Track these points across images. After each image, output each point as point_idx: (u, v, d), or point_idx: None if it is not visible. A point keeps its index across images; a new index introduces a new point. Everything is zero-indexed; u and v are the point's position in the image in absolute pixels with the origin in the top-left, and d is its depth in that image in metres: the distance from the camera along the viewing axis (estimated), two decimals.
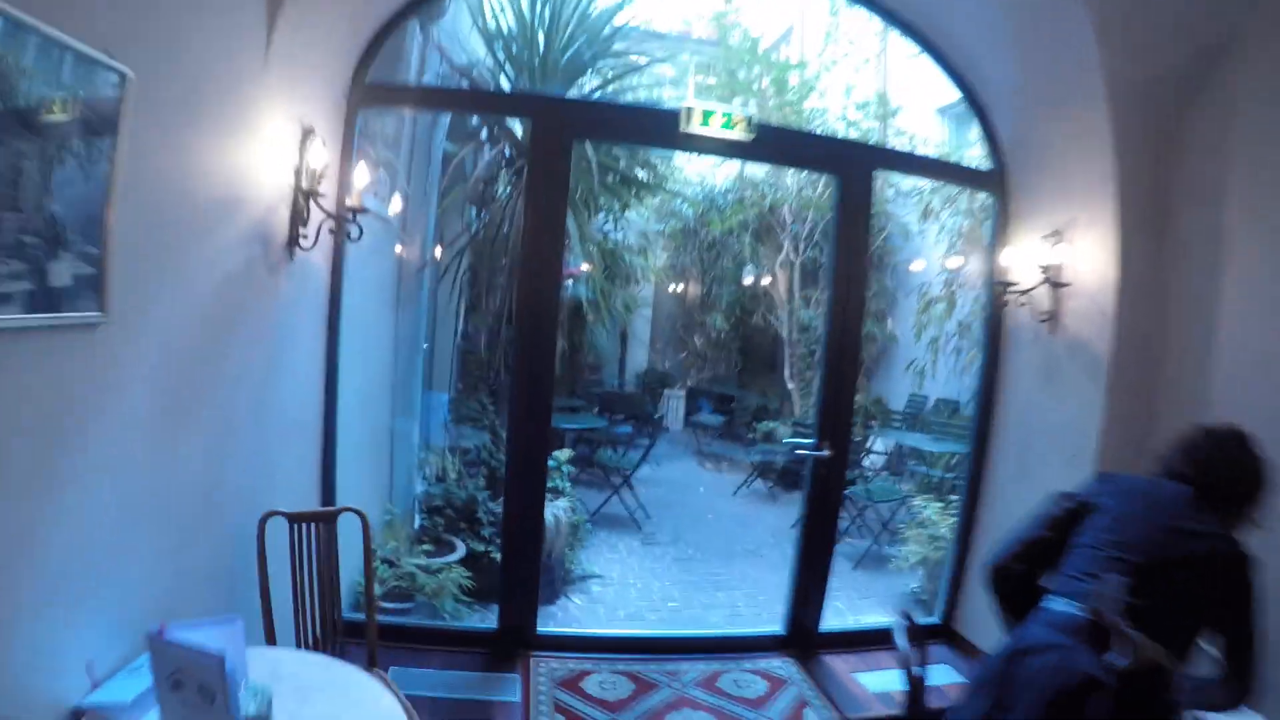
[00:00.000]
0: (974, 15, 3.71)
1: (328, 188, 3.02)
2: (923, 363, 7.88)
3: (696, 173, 10.61)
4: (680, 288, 12.37)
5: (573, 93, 4.94)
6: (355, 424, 3.96)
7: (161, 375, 2.11)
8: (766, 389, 11.40)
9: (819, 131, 8.44)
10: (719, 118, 3.45)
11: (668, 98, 8.71)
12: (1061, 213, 3.69)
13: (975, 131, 8.83)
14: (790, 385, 9.91)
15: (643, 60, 5.32)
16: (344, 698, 2.02)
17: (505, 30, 4.99)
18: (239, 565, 2.61)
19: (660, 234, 11.25)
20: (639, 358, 12.74)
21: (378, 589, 3.97)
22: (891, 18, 4.01)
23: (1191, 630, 1.88)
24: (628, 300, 9.14)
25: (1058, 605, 2.01)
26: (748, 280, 10.78)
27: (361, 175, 2.97)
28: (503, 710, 3.28)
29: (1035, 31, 3.43)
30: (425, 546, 4.37)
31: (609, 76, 5.34)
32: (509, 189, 5.07)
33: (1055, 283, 3.68)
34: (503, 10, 5.01)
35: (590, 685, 3.54)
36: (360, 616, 2.84)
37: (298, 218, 2.83)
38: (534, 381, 3.54)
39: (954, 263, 7.05)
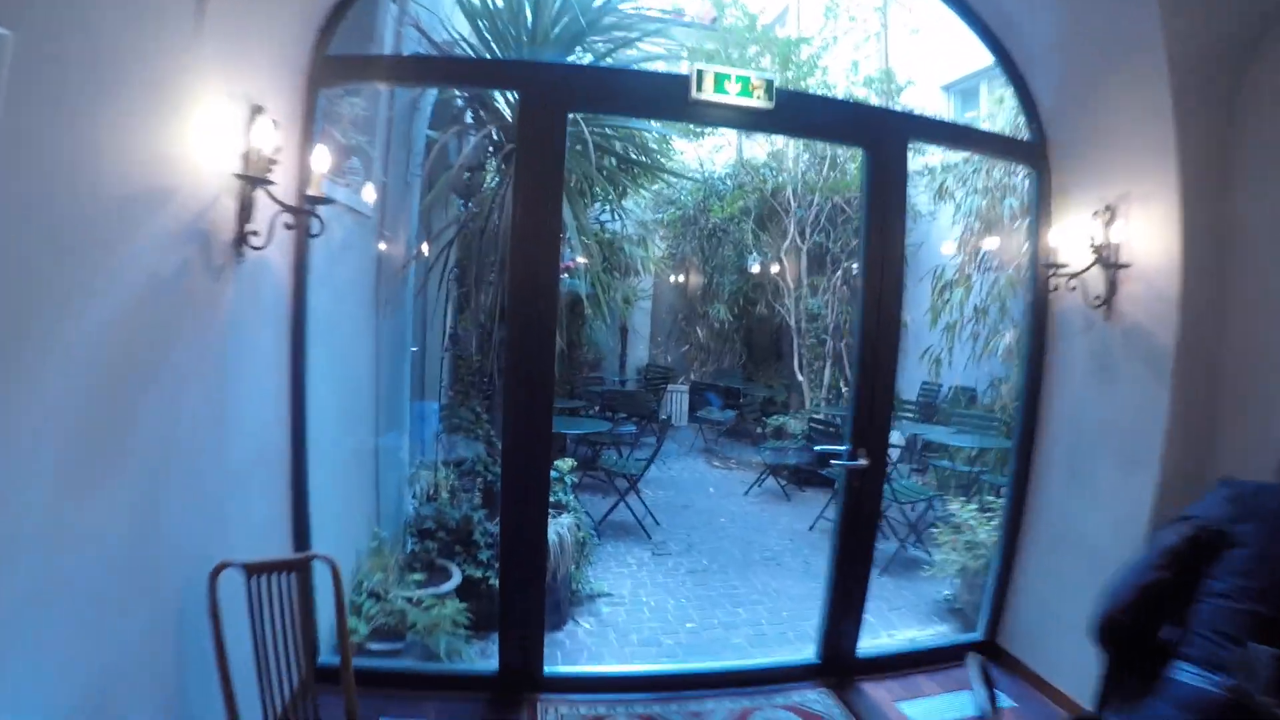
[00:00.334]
0: None
1: (283, 175, 2.58)
2: (938, 350, 7.50)
3: (695, 158, 10.19)
4: (681, 278, 11.95)
5: None
6: (333, 444, 3.54)
7: (64, 415, 1.68)
8: (773, 381, 11.00)
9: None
10: (734, 83, 3.01)
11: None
12: (1114, 186, 3.33)
13: (982, 108, 8.46)
14: (800, 376, 9.50)
15: (643, 43, 4.83)
16: None
17: (490, 4, 4.54)
18: (188, 630, 2.20)
19: (659, 223, 10.84)
20: (639, 352, 12.32)
21: (363, 626, 3.57)
22: None
23: None
24: (627, 293, 8.73)
25: (1188, 678, 1.59)
26: (754, 269, 10.35)
27: (321, 159, 2.54)
28: None
29: None
30: (416, 575, 3.94)
31: (602, 52, 4.89)
32: (498, 176, 4.62)
33: (1110, 264, 3.30)
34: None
35: None
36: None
37: (246, 211, 2.39)
38: (530, 385, 3.11)
39: (989, 243, 6.64)
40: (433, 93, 4.80)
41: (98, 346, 1.81)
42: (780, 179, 9.31)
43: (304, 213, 2.58)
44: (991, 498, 5.42)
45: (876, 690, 3.56)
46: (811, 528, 6.77)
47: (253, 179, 2.34)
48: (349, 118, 3.50)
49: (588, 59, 4.81)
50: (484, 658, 3.85)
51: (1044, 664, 3.57)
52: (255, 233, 2.45)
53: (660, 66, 5.05)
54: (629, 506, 6.46)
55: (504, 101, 4.53)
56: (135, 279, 1.96)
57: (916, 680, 3.65)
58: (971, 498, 5.72)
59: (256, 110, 2.42)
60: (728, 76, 3.01)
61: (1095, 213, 3.34)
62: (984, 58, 3.86)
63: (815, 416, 8.54)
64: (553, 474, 4.71)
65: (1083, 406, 3.55)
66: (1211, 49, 2.94)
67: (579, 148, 4.47)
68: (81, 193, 1.71)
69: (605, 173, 5.28)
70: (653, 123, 5.49)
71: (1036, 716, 3.34)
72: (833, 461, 3.43)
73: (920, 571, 5.47)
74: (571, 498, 4.85)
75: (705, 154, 10.29)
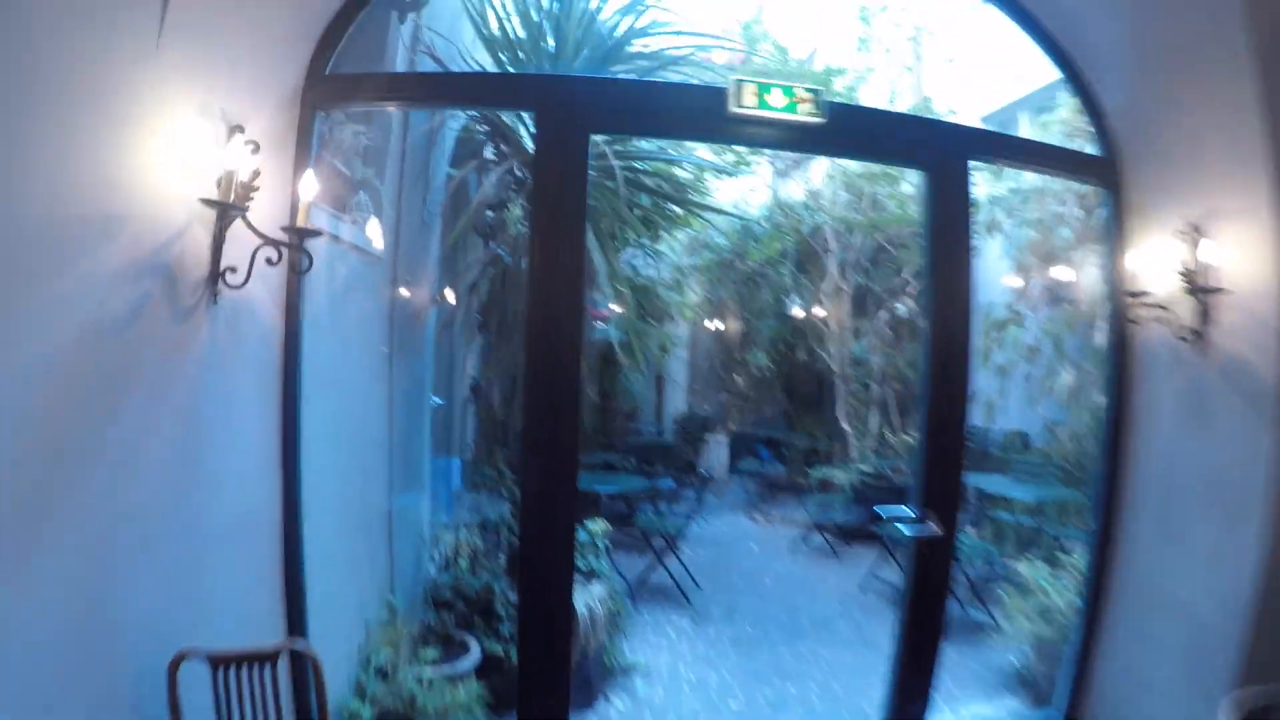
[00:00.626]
0: None
1: (269, 205, 2.29)
2: (989, 392, 7.04)
3: (730, 201, 9.93)
4: (718, 324, 11.61)
5: None
6: (339, 504, 3.20)
7: None
8: (815, 430, 10.51)
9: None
10: (778, 94, 2.67)
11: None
12: (1198, 202, 2.97)
13: (1024, 131, 8.12)
14: (844, 425, 9.04)
15: (669, 71, 4.55)
16: None
17: (512, 36, 4.31)
18: None
19: (694, 268, 10.56)
20: (677, 402, 11.93)
21: (366, 711, 3.17)
22: None
23: None
24: (663, 340, 8.41)
25: None
26: (799, 313, 9.97)
27: (309, 186, 2.24)
28: None
29: None
30: (431, 651, 3.54)
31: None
32: (522, 214, 4.33)
33: (1200, 289, 2.91)
34: (508, 17, 4.35)
35: None
36: None
37: (220, 244, 2.09)
38: (550, 449, 2.71)
39: (1052, 275, 6.25)
40: (453, 127, 4.54)
41: (21, 399, 1.50)
42: (818, 218, 8.99)
43: (289, 247, 2.26)
44: (1064, 555, 4.92)
45: None
46: (861, 587, 6.26)
47: (225, 206, 2.03)
48: (355, 148, 3.22)
49: None
50: None
51: None
52: (233, 269, 2.14)
53: None
54: (666, 568, 6.02)
55: (526, 134, 4.25)
56: (74, 319, 1.65)
57: None
58: (1032, 551, 5.26)
59: (235, 130, 2.12)
60: (770, 87, 2.67)
61: (1178, 232, 2.98)
62: (1022, 86, 3.51)
63: (864, 469, 8.05)
64: (584, 536, 4.31)
65: (1174, 454, 3.14)
66: None
67: (609, 184, 4.17)
68: (11, 221, 1.42)
69: (637, 210, 4.97)
70: (686, 152, 5.20)
71: None
72: (899, 526, 2.98)
73: (983, 636, 4.95)
74: (605, 564, 4.43)
75: (739, 195, 10.03)
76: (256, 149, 2.15)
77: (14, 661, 1.50)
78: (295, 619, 2.69)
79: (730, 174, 8.23)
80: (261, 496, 2.54)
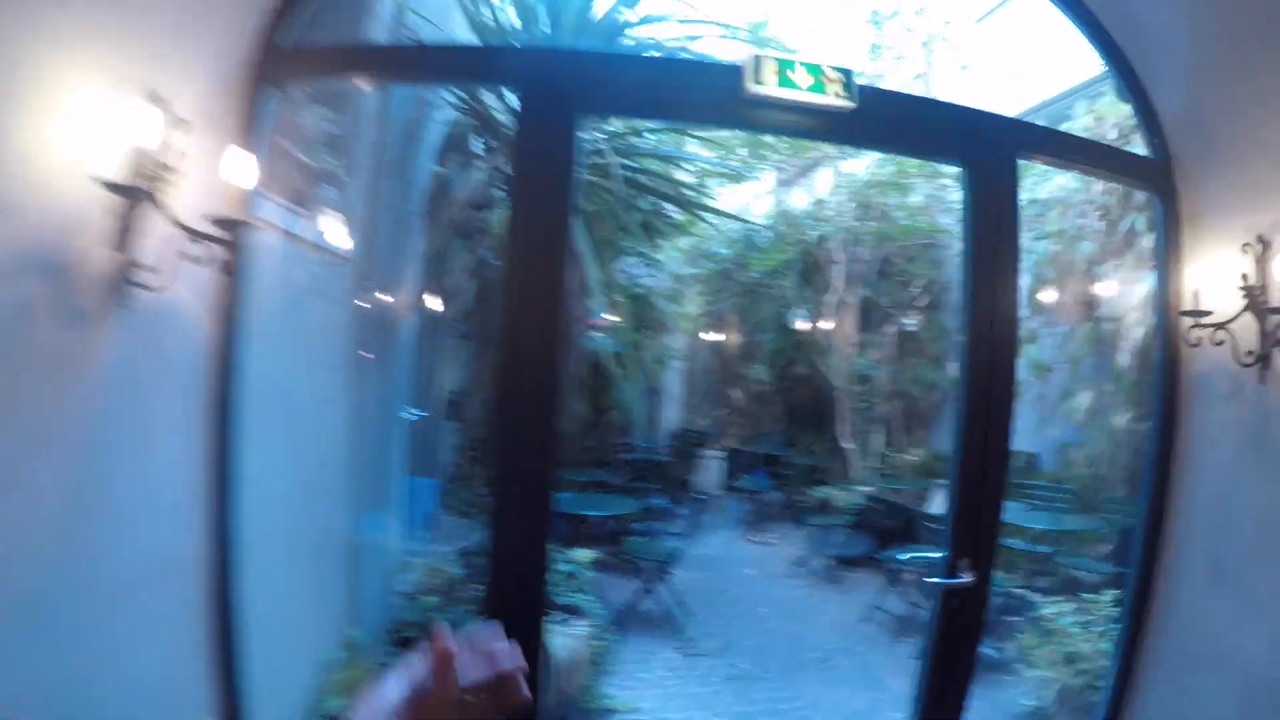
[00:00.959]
0: None
1: (199, 191, 1.94)
2: None
3: (731, 208, 9.65)
4: (716, 336, 11.28)
5: None
6: (285, 537, 2.84)
7: None
8: (815, 447, 10.18)
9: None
10: (803, 73, 2.31)
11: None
12: (1266, 211, 2.59)
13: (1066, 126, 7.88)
14: (845, 444, 8.71)
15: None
16: None
17: (505, 24, 3.98)
18: None
19: (694, 278, 10.25)
20: (672, 416, 11.58)
21: None
22: None
23: None
24: (659, 353, 8.08)
25: None
26: (803, 325, 9.66)
27: (242, 169, 1.89)
28: None
29: None
30: None
31: None
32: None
33: (1266, 308, 2.53)
34: (501, 8, 4.03)
35: None
36: None
37: (127, 236, 1.73)
38: (523, 482, 2.32)
39: (1086, 289, 5.99)
40: (441, 120, 4.19)
41: None
42: (824, 229, 8.69)
43: (217, 241, 1.91)
44: (1087, 594, 4.60)
45: None
46: (863, 619, 5.92)
47: (132, 190, 1.68)
48: (320, 135, 2.86)
49: None
50: None
51: None
52: (152, 268, 1.79)
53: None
54: (657, 596, 5.65)
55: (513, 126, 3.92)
56: None
57: None
58: (1042, 580, 4.98)
59: (154, 102, 1.77)
60: (793, 64, 2.30)
61: (1242, 245, 2.61)
62: (1042, 91, 3.18)
63: (869, 492, 7.72)
64: (567, 568, 3.96)
65: (1229, 490, 2.79)
66: None
67: (607, 185, 3.84)
68: None
69: (636, 214, 4.64)
70: (688, 152, 4.87)
71: None
72: (929, 579, 2.62)
73: (997, 674, 4.59)
74: (590, 598, 4.07)
75: (742, 203, 9.76)
76: (183, 126, 1.81)
77: None
78: (226, 677, 2.32)
79: (731, 176, 7.93)
80: (184, 534, 2.18)
